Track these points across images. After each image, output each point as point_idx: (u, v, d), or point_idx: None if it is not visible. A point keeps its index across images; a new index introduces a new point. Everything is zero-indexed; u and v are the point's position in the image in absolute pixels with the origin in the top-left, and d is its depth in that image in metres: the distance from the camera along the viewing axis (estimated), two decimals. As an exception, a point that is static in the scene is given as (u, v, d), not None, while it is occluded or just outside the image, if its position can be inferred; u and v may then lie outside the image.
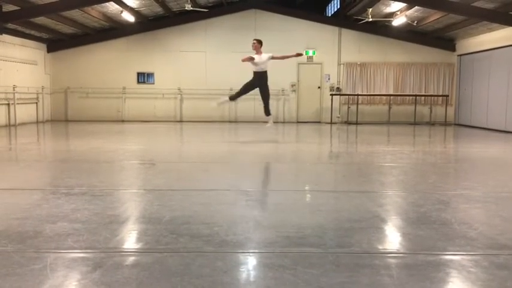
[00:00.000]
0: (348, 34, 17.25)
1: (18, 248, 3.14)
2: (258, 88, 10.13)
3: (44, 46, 16.60)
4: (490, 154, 9.02)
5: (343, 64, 17.34)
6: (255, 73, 10.08)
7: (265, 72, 10.06)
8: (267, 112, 10.45)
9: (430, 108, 17.14)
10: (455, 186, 5.83)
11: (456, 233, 3.60)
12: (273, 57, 10.13)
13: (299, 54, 10.61)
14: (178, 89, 17.03)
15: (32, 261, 2.89)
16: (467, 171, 7.05)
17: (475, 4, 12.48)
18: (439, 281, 2.70)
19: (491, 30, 14.43)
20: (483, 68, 15.31)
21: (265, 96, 10.22)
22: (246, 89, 10.18)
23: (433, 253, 3.14)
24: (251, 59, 9.97)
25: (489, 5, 12.45)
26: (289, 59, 10.94)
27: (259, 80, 10.06)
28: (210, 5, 16.62)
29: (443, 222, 3.91)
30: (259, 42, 10.18)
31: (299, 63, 17.23)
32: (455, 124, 17.07)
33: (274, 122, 16.76)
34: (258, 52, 10.06)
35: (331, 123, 16.65)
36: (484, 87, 15.26)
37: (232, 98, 10.35)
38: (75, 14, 14.13)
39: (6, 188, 5.26)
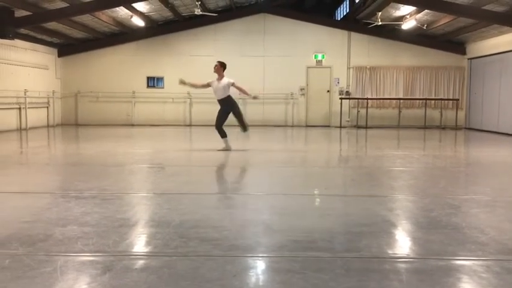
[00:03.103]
0: (358, 38, 17.21)
1: (29, 251, 3.17)
2: (232, 113, 9.30)
3: (55, 51, 16.75)
4: (501, 158, 8.94)
5: (353, 68, 17.30)
6: (218, 101, 9.29)
7: (226, 98, 9.13)
8: (244, 127, 9.54)
9: (441, 112, 17.03)
10: (465, 190, 5.79)
11: (467, 238, 3.57)
12: (233, 85, 9.16)
13: (255, 98, 9.67)
14: (188, 93, 17.07)
15: (43, 264, 2.91)
16: (478, 175, 6.99)
17: (486, 7, 12.39)
18: (449, 286, 2.68)
19: (502, 33, 14.32)
20: (494, 71, 15.19)
21: (238, 116, 9.43)
22: (220, 118, 9.25)
23: (444, 258, 3.11)
24: (205, 86, 9.27)
25: (499, 8, 12.37)
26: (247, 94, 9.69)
27: (226, 106, 9.22)
28: (219, 9, 16.67)
29: (454, 226, 3.88)
30: (222, 65, 9.23)
31: (308, 67, 17.22)
32: (465, 128, 16.94)
33: (282, 126, 16.90)
34: (220, 76, 9.13)
35: (340, 127, 16.60)
36: (495, 91, 15.14)
37: (222, 135, 9.31)
38: (85, 18, 14.25)
39: (17, 191, 5.31)
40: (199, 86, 9.51)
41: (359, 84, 17.27)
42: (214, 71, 9.20)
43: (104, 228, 3.71)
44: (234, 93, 9.37)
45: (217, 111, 9.31)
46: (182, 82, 9.14)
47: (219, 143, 9.26)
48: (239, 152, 9.64)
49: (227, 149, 9.18)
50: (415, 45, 17.00)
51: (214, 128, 9.28)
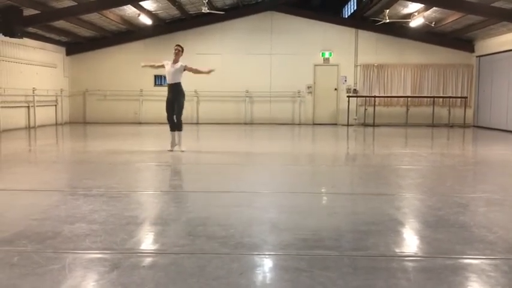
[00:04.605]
0: (365, 35, 17.14)
1: (38, 248, 3.19)
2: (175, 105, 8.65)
3: (63, 49, 16.84)
4: (509, 157, 8.88)
5: (360, 65, 17.23)
6: (168, 85, 8.74)
7: (177, 84, 8.58)
8: (179, 127, 8.72)
9: (449, 110, 16.93)
10: (473, 189, 5.75)
11: (475, 237, 3.55)
12: (185, 68, 8.59)
13: (210, 71, 8.85)
14: (195, 92, 17.09)
15: (51, 262, 2.93)
16: (486, 174, 6.95)
17: (494, 4, 12.30)
18: (457, 285, 2.67)
19: (510, 30, 14.20)
20: (503, 69, 15.08)
21: (178, 110, 8.68)
22: (167, 109, 8.74)
23: (452, 257, 3.10)
24: (160, 66, 8.76)
25: (509, 5, 12.26)
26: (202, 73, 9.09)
27: (172, 93, 8.64)
28: (227, 7, 16.67)
29: (462, 225, 3.86)
30: (183, 50, 8.77)
31: (315, 65, 17.18)
32: (474, 126, 16.84)
33: (289, 124, 16.88)
34: (176, 60, 8.60)
35: (347, 125, 16.55)
36: (503, 89, 15.02)
37: (172, 127, 8.75)
38: (93, 17, 14.30)
39: (25, 189, 5.35)
40: (156, 66, 9.01)
41: (366, 82, 17.20)
42: (175, 54, 8.65)
43: (111, 226, 3.73)
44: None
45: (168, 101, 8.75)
46: (145, 65, 9.02)
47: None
48: (245, 151, 9.65)
49: (176, 144, 8.70)
50: (423, 43, 16.91)
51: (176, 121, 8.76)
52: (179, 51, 8.69)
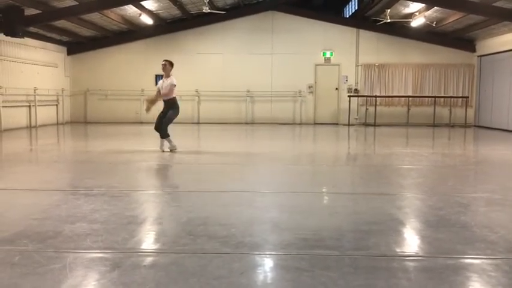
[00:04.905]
0: (366, 35, 17.12)
1: (38, 247, 3.19)
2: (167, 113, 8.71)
3: (64, 49, 16.84)
4: (511, 156, 8.86)
5: (361, 65, 17.22)
6: (163, 101, 8.78)
7: (171, 99, 8.63)
8: (162, 133, 8.70)
9: (450, 110, 16.91)
10: (475, 189, 5.74)
11: (476, 237, 3.55)
12: (173, 85, 8.59)
13: (146, 109, 8.77)
14: (196, 91, 17.11)
15: (52, 261, 2.93)
16: (487, 173, 6.94)
17: (496, 4, 12.28)
18: (458, 285, 2.66)
19: (512, 30, 14.20)
20: (504, 68, 15.06)
21: (167, 119, 8.69)
22: (157, 121, 8.78)
23: (453, 256, 3.10)
24: (158, 92, 8.73)
25: (510, 5, 12.23)
26: None
27: (166, 108, 8.72)
28: (228, 7, 16.67)
29: (463, 225, 3.86)
30: (171, 64, 8.79)
31: (316, 65, 17.17)
32: (475, 126, 16.82)
33: (290, 124, 16.88)
34: (167, 75, 8.67)
35: (348, 125, 16.54)
36: (505, 88, 15.00)
37: (163, 135, 8.74)
38: (94, 17, 14.30)
39: (26, 188, 5.35)
40: (158, 95, 8.89)
41: (367, 82, 17.19)
42: (162, 70, 8.79)
43: (112, 225, 3.73)
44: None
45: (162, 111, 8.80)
46: (149, 106, 8.83)
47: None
48: (246, 151, 9.65)
49: (174, 147, 8.74)
50: (424, 43, 16.89)
51: (156, 129, 8.83)
52: (165, 66, 8.74)
